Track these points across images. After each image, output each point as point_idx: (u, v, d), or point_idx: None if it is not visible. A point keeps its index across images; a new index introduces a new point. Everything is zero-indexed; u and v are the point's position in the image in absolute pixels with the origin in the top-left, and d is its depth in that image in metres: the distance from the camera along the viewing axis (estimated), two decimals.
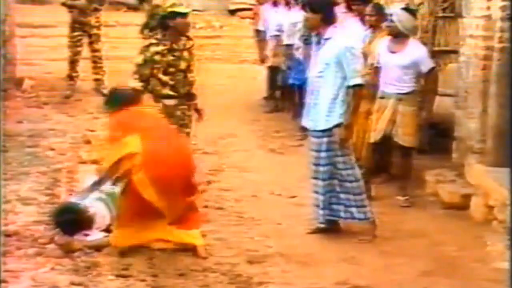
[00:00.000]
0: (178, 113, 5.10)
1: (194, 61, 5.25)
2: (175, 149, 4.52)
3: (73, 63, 8.61)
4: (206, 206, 5.43)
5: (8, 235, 4.68)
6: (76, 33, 8.55)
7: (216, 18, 13.02)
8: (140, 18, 8.82)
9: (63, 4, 8.73)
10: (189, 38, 5.21)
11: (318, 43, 4.81)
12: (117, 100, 4.69)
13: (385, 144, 5.55)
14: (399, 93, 5.46)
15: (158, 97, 5.06)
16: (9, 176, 5.78)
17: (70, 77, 8.66)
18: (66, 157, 6.25)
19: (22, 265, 4.33)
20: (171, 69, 5.02)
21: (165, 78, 5.02)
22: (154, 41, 5.05)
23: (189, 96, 5.18)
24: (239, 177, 6.13)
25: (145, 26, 8.75)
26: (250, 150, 6.81)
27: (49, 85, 9.00)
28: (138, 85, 4.97)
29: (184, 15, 5.03)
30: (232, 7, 13.95)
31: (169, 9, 5.03)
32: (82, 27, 8.55)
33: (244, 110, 8.16)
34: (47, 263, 4.36)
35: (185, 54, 5.10)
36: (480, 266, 4.49)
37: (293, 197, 5.68)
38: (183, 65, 5.07)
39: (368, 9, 6.01)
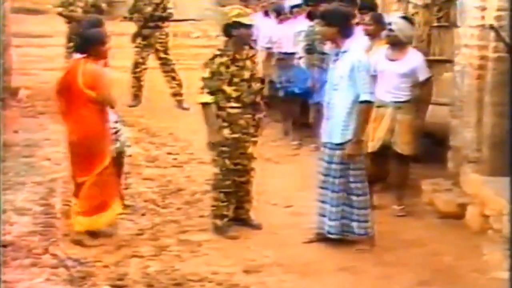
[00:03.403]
0: (242, 122, 5.02)
1: (258, 70, 5.21)
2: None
3: None
4: (202, 216, 5.43)
5: (3, 246, 4.66)
6: (72, 44, 8.55)
7: (212, 27, 13.03)
8: (134, 27, 8.84)
9: (60, 14, 8.73)
10: (251, 47, 5.21)
11: (337, 55, 4.80)
12: (83, 43, 4.95)
13: (383, 153, 5.56)
14: (397, 102, 5.48)
15: (222, 106, 5.00)
16: (5, 186, 5.75)
17: None
18: (62, 167, 6.23)
19: (18, 275, 4.32)
20: (235, 80, 4.98)
21: (229, 89, 4.96)
22: (218, 52, 5.02)
23: (255, 106, 5.10)
24: None
25: (137, 35, 8.77)
26: None
27: (45, 94, 8.96)
28: (208, 98, 4.93)
29: (247, 26, 5.02)
30: None
31: (234, 19, 5.00)
32: (77, 36, 8.54)
33: None
34: (42, 274, 4.35)
35: (248, 63, 5.06)
36: (477, 276, 4.49)
37: (290, 206, 5.68)
38: (246, 74, 5.02)
39: (367, 18, 6.04)
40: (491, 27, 5.18)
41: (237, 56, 5.00)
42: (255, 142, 5.14)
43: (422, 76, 5.51)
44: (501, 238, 4.76)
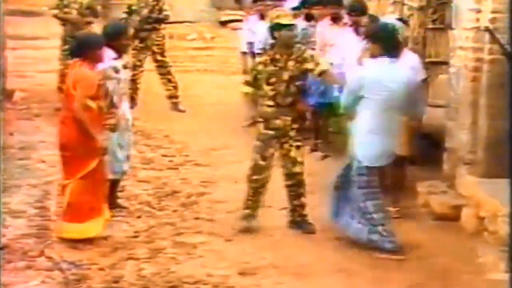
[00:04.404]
0: (278, 122, 5.08)
1: (304, 67, 5.14)
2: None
3: (63, 76, 8.59)
4: (198, 218, 5.43)
5: None
6: (68, 46, 8.53)
7: (208, 29, 13.02)
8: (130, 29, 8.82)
9: (56, 17, 8.72)
10: (300, 46, 5.32)
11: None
12: (78, 46, 4.96)
13: None
14: None
15: (260, 104, 5.18)
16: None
17: (61, 90, 8.64)
18: (57, 169, 6.22)
19: (12, 278, 4.31)
20: (272, 79, 5.07)
21: (266, 88, 5.08)
22: (260, 51, 5.36)
23: (294, 108, 5.12)
24: (231, 188, 6.12)
25: (133, 37, 8.74)
26: (243, 162, 6.78)
27: (40, 97, 8.97)
28: (246, 89, 5.24)
29: (288, 27, 5.07)
30: (224, 18, 13.98)
31: (275, 21, 5.11)
32: (74, 40, 8.53)
33: (236, 121, 8.15)
34: (38, 276, 4.35)
35: (290, 63, 5.08)
36: (472, 278, 4.50)
37: (285, 208, 5.67)
38: (285, 75, 5.07)
39: (365, 20, 6.06)
40: (487, 29, 5.19)
41: (277, 56, 5.08)
42: (298, 147, 5.14)
43: (418, 77, 5.52)
44: (497, 239, 4.77)
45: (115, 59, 5.21)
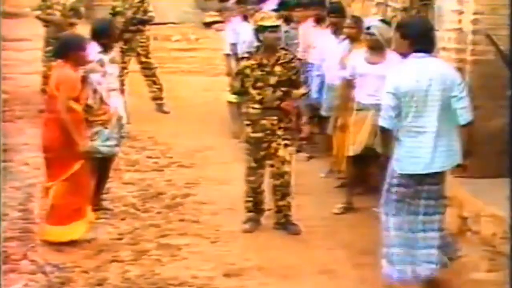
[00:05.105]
0: (264, 122, 5.10)
1: (290, 74, 5.12)
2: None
3: (47, 77, 8.53)
4: (182, 220, 5.42)
5: None
6: (50, 48, 8.48)
7: (192, 30, 13.01)
8: None
9: (38, 18, 8.67)
10: (288, 52, 5.24)
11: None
12: (62, 48, 4.95)
13: (365, 155, 5.57)
14: (378, 104, 5.48)
15: (246, 107, 5.22)
16: None
17: (45, 91, 8.58)
18: (41, 172, 6.18)
19: None
20: (259, 84, 5.07)
21: (253, 92, 5.08)
22: (246, 55, 5.23)
23: (280, 109, 5.10)
24: (216, 190, 6.13)
25: (118, 38, 8.70)
26: (227, 163, 6.81)
27: (23, 99, 8.91)
28: (232, 97, 5.19)
29: (272, 29, 5.05)
30: (208, 19, 13.97)
31: (259, 23, 5.09)
32: (57, 41, 8.48)
33: (221, 122, 8.15)
34: (21, 280, 4.32)
35: (277, 69, 5.08)
36: (455, 278, 4.52)
37: (270, 209, 5.68)
38: (272, 80, 5.07)
39: (348, 21, 6.09)
40: (486, 35, 5.17)
41: (264, 61, 5.08)
42: (286, 145, 5.16)
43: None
44: (480, 239, 4.81)
45: (101, 52, 5.20)
